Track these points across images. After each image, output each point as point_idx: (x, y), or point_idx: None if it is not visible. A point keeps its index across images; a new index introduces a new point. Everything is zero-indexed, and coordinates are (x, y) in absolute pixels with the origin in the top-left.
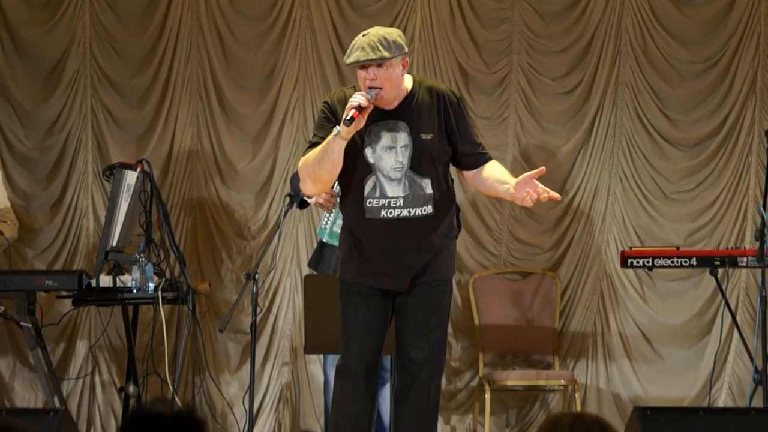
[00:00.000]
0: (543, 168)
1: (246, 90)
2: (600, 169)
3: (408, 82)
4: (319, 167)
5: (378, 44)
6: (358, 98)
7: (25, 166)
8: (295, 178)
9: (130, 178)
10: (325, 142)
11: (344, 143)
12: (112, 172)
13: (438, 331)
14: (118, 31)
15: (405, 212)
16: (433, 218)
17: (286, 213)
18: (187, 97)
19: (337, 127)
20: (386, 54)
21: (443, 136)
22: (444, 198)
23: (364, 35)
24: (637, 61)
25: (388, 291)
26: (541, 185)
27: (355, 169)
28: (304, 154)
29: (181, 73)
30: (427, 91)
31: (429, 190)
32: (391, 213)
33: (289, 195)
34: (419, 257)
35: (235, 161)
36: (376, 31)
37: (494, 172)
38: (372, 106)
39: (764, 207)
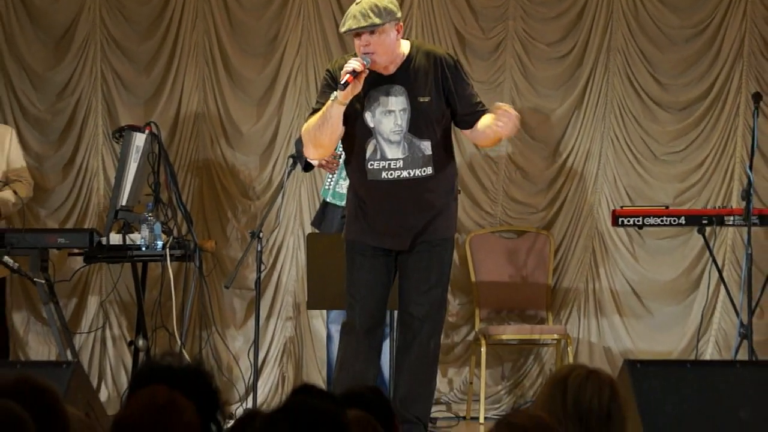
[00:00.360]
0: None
1: (250, 55)
2: (592, 131)
3: (405, 47)
4: (320, 132)
5: (369, 11)
6: (352, 63)
7: (38, 129)
8: (300, 143)
9: (139, 140)
10: (324, 108)
11: (342, 108)
12: (121, 134)
13: (438, 288)
14: None
15: (405, 173)
16: (433, 179)
17: (289, 174)
18: (194, 62)
19: (335, 92)
20: (377, 20)
21: (441, 98)
22: (444, 159)
23: (356, 3)
24: (628, 27)
25: (390, 250)
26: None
27: (356, 134)
28: (306, 120)
29: (188, 39)
30: (425, 55)
31: (428, 151)
32: (391, 174)
33: (293, 156)
34: (420, 217)
35: (239, 124)
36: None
37: (484, 121)
38: (367, 71)
39: (750, 168)
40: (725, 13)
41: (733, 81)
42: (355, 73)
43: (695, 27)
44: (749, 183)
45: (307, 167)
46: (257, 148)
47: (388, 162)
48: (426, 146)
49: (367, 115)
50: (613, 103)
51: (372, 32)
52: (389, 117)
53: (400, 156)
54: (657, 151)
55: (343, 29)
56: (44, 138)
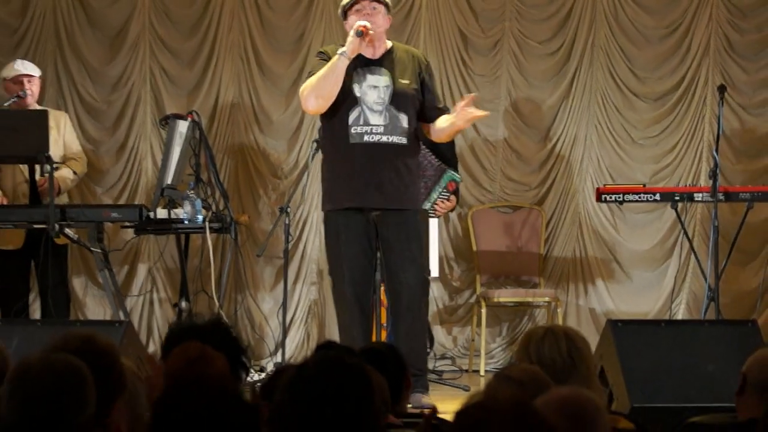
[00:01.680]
0: (473, 95)
1: (279, 51)
2: (578, 118)
3: (389, 43)
4: (325, 82)
5: None
6: (362, 21)
7: (95, 117)
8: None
9: (182, 126)
10: (330, 62)
11: (347, 63)
12: (167, 121)
13: (421, 255)
14: (172, 2)
15: (384, 138)
16: (407, 149)
17: (313, 156)
18: (230, 58)
19: (342, 48)
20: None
21: (417, 86)
22: (414, 138)
23: None
24: (609, 27)
25: (369, 216)
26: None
27: (342, 102)
28: (303, 81)
29: (225, 38)
30: (404, 51)
31: (405, 124)
32: (372, 138)
33: (316, 141)
34: (394, 177)
35: (270, 112)
36: None
37: (442, 118)
38: (369, 34)
39: (716, 151)
40: (693, 15)
41: (701, 75)
42: (365, 29)
43: (668, 27)
44: (715, 164)
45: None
46: (285, 133)
47: (370, 127)
48: (403, 119)
49: (355, 87)
50: (596, 93)
51: (374, 6)
52: (374, 90)
53: (382, 123)
54: (635, 135)
55: (345, 0)
56: (100, 125)
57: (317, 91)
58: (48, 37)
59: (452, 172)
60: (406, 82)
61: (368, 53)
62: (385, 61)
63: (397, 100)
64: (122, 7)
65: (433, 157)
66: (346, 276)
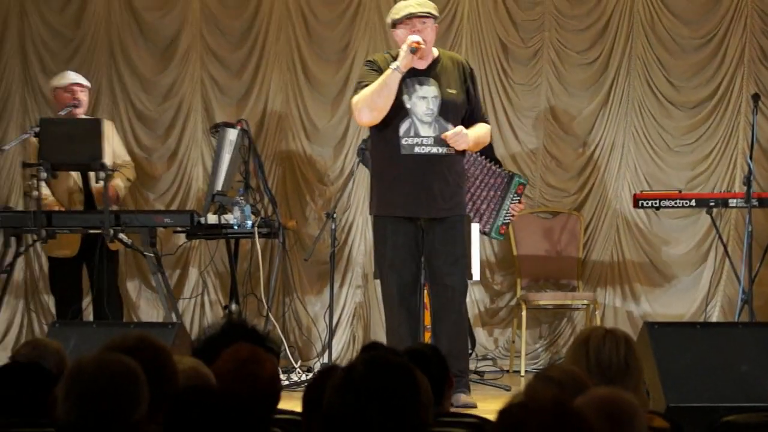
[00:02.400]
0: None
1: (325, 61)
2: (616, 126)
3: (434, 51)
4: (378, 96)
5: (425, 3)
6: (415, 36)
7: (147, 125)
8: (363, 149)
9: (232, 134)
10: (383, 76)
11: (399, 76)
12: (217, 129)
13: (463, 259)
14: (222, 14)
15: (434, 149)
16: (454, 159)
17: (358, 163)
18: (278, 68)
19: (395, 62)
20: (432, 11)
21: (464, 93)
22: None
23: None
24: (646, 37)
25: (416, 222)
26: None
27: (394, 114)
28: (355, 93)
29: (273, 48)
30: (449, 59)
31: None
32: (423, 149)
33: (361, 148)
34: (442, 187)
35: (316, 120)
36: None
37: (474, 128)
38: (422, 49)
39: (751, 158)
40: (729, 25)
41: (736, 84)
42: (418, 44)
43: (703, 37)
44: (749, 171)
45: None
46: (331, 141)
47: (421, 138)
48: (451, 129)
49: (405, 98)
50: (633, 102)
51: (424, 21)
52: (423, 101)
53: (431, 134)
54: (671, 143)
55: (400, 14)
56: (153, 133)
57: (371, 104)
58: (102, 47)
59: (519, 175)
60: (454, 92)
61: (417, 64)
62: (433, 71)
63: (446, 110)
64: (173, 19)
65: (497, 166)
66: (394, 279)
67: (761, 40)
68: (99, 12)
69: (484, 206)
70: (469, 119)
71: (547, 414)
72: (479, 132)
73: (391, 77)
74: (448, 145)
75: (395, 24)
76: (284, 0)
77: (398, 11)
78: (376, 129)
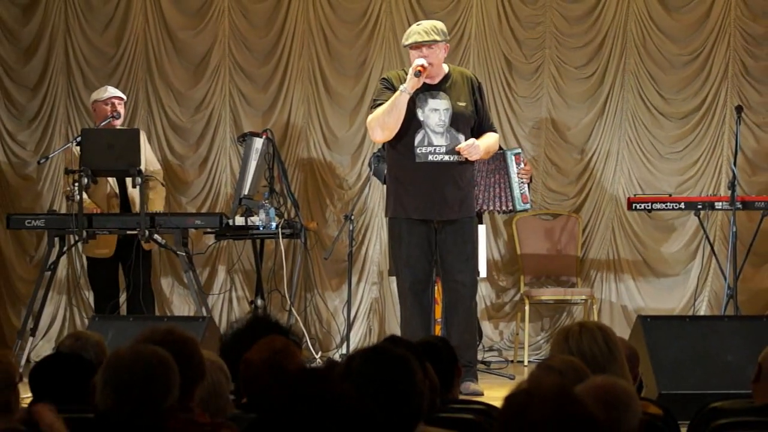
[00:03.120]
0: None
1: (344, 76)
2: (611, 135)
3: (445, 67)
4: (389, 117)
5: (431, 30)
6: (420, 61)
7: (180, 135)
8: (375, 161)
9: (258, 143)
10: (392, 98)
11: (407, 98)
12: (244, 138)
13: (473, 257)
14: (249, 33)
15: (447, 157)
16: (464, 166)
17: (372, 171)
18: (300, 82)
19: (403, 85)
20: (437, 38)
21: (472, 106)
22: None
23: (418, 25)
24: (638, 53)
25: (429, 223)
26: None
27: (408, 126)
28: (369, 112)
29: (296, 64)
30: (459, 74)
31: (463, 144)
32: (436, 158)
33: (377, 155)
34: (454, 192)
35: (335, 130)
36: (428, 22)
37: (482, 135)
38: (428, 69)
39: (735, 164)
40: (713, 43)
41: (720, 96)
42: (423, 68)
43: (690, 54)
44: (734, 176)
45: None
46: (349, 149)
47: (434, 147)
48: (462, 138)
49: (418, 111)
50: (627, 113)
51: (430, 46)
52: (435, 113)
53: (444, 143)
54: (662, 150)
55: (407, 42)
56: (185, 142)
57: (383, 124)
58: (139, 64)
59: (509, 149)
60: (463, 104)
61: (429, 80)
62: (444, 85)
63: (456, 121)
64: (205, 38)
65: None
66: (408, 275)
67: (743, 56)
68: (137, 32)
69: (498, 190)
70: (478, 129)
71: (549, 399)
72: (489, 141)
73: (399, 99)
74: (458, 154)
75: (407, 47)
76: (307, 20)
77: (407, 37)
78: (393, 139)
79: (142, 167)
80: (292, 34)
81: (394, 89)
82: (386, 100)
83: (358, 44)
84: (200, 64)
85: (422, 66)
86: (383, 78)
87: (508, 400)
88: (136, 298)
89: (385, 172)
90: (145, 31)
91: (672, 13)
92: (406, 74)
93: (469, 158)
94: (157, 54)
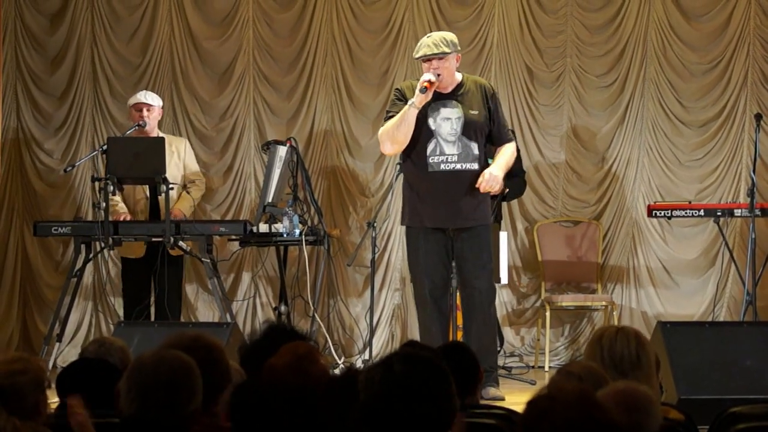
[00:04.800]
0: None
1: (367, 84)
2: (632, 143)
3: (459, 76)
4: (398, 131)
5: (440, 42)
6: (427, 75)
7: (205, 143)
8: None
9: (282, 151)
10: (402, 112)
11: (416, 112)
12: (268, 146)
13: (490, 264)
14: (274, 42)
15: (459, 165)
16: (478, 173)
17: (397, 177)
18: (324, 90)
19: (411, 99)
20: (446, 50)
21: (485, 114)
22: (483, 161)
23: (428, 36)
24: (659, 62)
25: (445, 231)
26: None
27: (420, 136)
28: (382, 125)
29: (320, 72)
30: (473, 83)
31: (476, 151)
32: (448, 166)
33: (399, 164)
34: (468, 200)
35: (359, 138)
36: (437, 34)
37: (498, 153)
38: (436, 84)
39: (754, 172)
40: (733, 52)
41: (740, 104)
42: (430, 83)
43: (710, 62)
44: (753, 183)
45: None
46: (372, 157)
47: (446, 156)
48: (474, 147)
49: (430, 121)
50: (647, 121)
51: (440, 58)
52: (447, 122)
53: (456, 152)
54: (682, 158)
55: (417, 55)
56: (210, 150)
57: (392, 138)
58: (165, 73)
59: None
60: (475, 112)
61: (442, 90)
62: (456, 94)
63: (468, 130)
64: (230, 47)
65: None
66: (426, 283)
67: (762, 65)
68: (163, 41)
69: None
70: (495, 138)
71: (572, 404)
72: (505, 158)
73: (408, 113)
74: (471, 161)
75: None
76: (330, 29)
77: (417, 50)
78: (406, 149)
79: (178, 174)
80: (316, 44)
81: (405, 100)
82: (397, 112)
83: (381, 53)
84: (225, 73)
85: (429, 82)
86: (396, 89)
87: (531, 405)
88: (162, 303)
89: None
90: (170, 41)
91: (692, 21)
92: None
93: (492, 192)
94: (182, 63)
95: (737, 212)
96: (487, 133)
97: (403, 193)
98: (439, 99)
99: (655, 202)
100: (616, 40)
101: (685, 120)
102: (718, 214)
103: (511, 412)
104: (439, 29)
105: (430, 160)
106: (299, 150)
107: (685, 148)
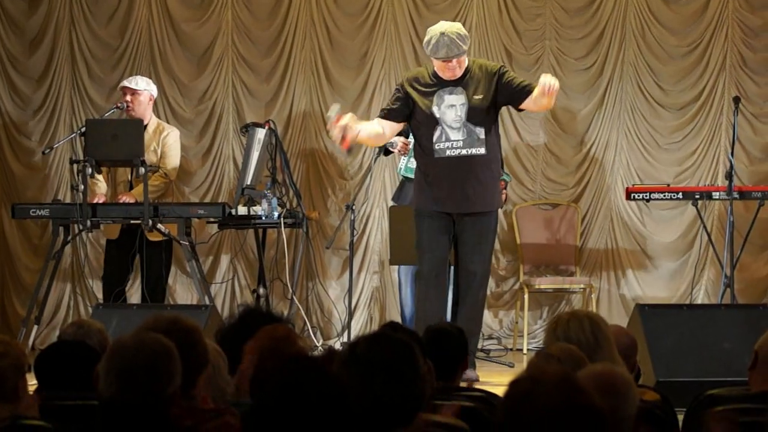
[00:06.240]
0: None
1: (346, 67)
2: (610, 126)
3: (466, 61)
4: (370, 141)
5: (458, 41)
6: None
7: (184, 125)
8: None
9: (260, 133)
10: (375, 133)
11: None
12: (247, 129)
13: (487, 249)
14: (252, 25)
15: (464, 151)
16: (485, 158)
17: (375, 159)
18: (302, 73)
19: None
20: (464, 48)
21: (490, 98)
22: (493, 146)
23: (442, 34)
24: (637, 45)
25: (450, 214)
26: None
27: (426, 123)
28: (379, 116)
29: (298, 55)
30: (478, 67)
31: (482, 136)
32: (453, 152)
33: (378, 147)
34: (473, 186)
35: None
36: (450, 29)
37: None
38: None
39: (732, 155)
40: (711, 35)
41: (718, 88)
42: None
43: (689, 46)
44: (731, 166)
45: (387, 153)
46: None
47: (451, 142)
48: (480, 131)
49: (435, 109)
50: (626, 104)
51: (459, 56)
52: (452, 110)
53: (461, 138)
54: (660, 141)
55: (438, 55)
56: (189, 133)
57: (368, 143)
58: (143, 55)
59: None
60: (479, 97)
61: (447, 76)
62: (462, 80)
63: (473, 115)
64: (208, 29)
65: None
66: (430, 259)
67: (741, 48)
68: (141, 23)
69: None
70: (518, 95)
71: (554, 387)
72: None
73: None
74: (477, 147)
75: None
76: (309, 12)
77: (435, 50)
78: (415, 137)
79: (154, 159)
80: (295, 26)
81: (405, 99)
82: (392, 109)
83: (359, 36)
84: (203, 55)
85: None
86: (399, 85)
87: (513, 385)
88: (146, 289)
89: (387, 146)
90: (149, 23)
91: (671, 4)
92: (427, 71)
93: (554, 90)
94: (160, 45)
95: (715, 195)
96: (493, 116)
97: (415, 177)
98: (445, 86)
99: (633, 185)
100: (594, 23)
101: (664, 103)
102: (697, 197)
103: (490, 395)
104: (418, 13)
105: (436, 147)
106: (278, 132)
107: (664, 131)
